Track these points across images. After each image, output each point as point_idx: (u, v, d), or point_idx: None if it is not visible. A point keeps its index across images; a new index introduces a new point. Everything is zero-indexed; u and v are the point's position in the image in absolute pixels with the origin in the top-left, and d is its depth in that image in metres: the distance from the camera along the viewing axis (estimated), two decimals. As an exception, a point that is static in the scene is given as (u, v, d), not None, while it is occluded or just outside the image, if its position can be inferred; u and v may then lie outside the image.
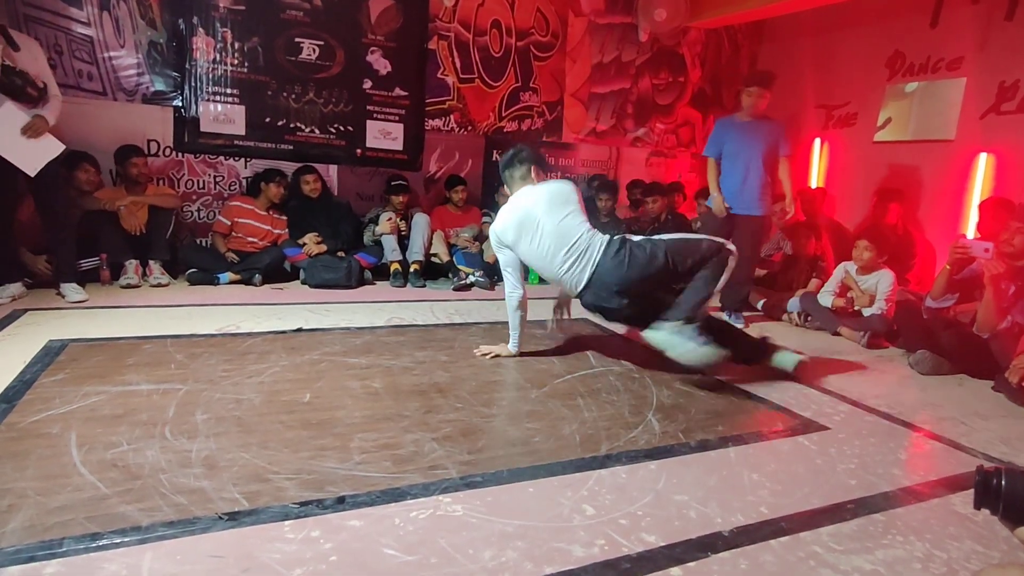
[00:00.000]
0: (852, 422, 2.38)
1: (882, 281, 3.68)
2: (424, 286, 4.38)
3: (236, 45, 4.29)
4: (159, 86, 4.20)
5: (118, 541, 1.33)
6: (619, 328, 3.25)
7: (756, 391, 2.64)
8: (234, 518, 1.44)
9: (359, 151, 4.82)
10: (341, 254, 4.35)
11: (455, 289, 4.33)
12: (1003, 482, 1.02)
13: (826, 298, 3.88)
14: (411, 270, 4.41)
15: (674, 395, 2.51)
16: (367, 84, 4.73)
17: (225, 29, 4.24)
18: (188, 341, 2.75)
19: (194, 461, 1.69)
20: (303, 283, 4.19)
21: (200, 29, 4.18)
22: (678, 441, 2.07)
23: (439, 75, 5.03)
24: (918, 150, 4.79)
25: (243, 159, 4.50)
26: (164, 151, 4.29)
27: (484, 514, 1.54)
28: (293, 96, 4.52)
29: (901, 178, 4.77)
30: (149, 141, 4.21)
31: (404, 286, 4.34)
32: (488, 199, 5.22)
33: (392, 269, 4.39)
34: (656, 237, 2.71)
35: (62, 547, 1.30)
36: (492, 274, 4.52)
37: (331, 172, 4.78)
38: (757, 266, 4.35)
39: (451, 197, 4.89)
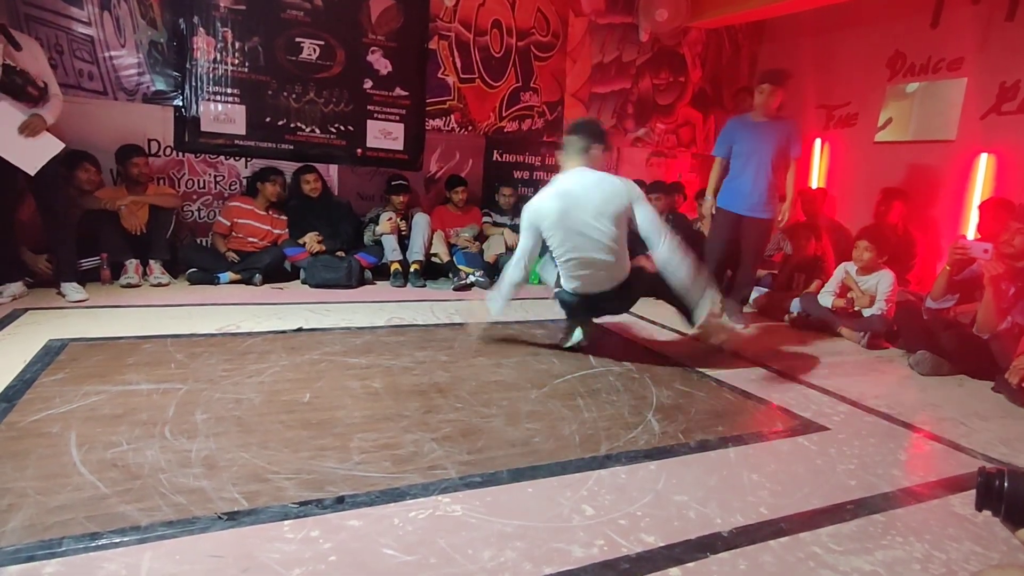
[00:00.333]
0: (852, 423, 2.38)
1: (882, 282, 3.68)
2: (424, 286, 4.38)
3: (237, 45, 4.29)
4: (160, 86, 4.20)
5: (117, 541, 1.33)
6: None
7: (756, 391, 2.64)
8: (233, 518, 1.44)
9: (359, 151, 4.82)
10: (341, 254, 4.35)
11: (455, 289, 4.33)
12: (1005, 484, 1.02)
13: (826, 298, 3.88)
14: (411, 270, 4.41)
15: (674, 395, 2.51)
16: (368, 84, 4.73)
17: (226, 29, 4.24)
18: (188, 341, 2.75)
19: (194, 461, 1.69)
20: (303, 283, 4.19)
21: (201, 29, 4.18)
22: (678, 441, 2.07)
23: (440, 75, 5.03)
24: (919, 150, 4.79)
25: (243, 159, 4.50)
26: (165, 151, 4.29)
27: (483, 514, 1.55)
28: (294, 96, 4.52)
29: (901, 178, 4.77)
30: (150, 141, 4.22)
31: (404, 286, 4.34)
32: (488, 199, 5.23)
33: (392, 269, 4.39)
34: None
35: (61, 547, 1.30)
36: (492, 274, 4.51)
37: (331, 172, 4.78)
38: (759, 267, 4.29)
39: (451, 197, 4.89)
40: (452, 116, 5.15)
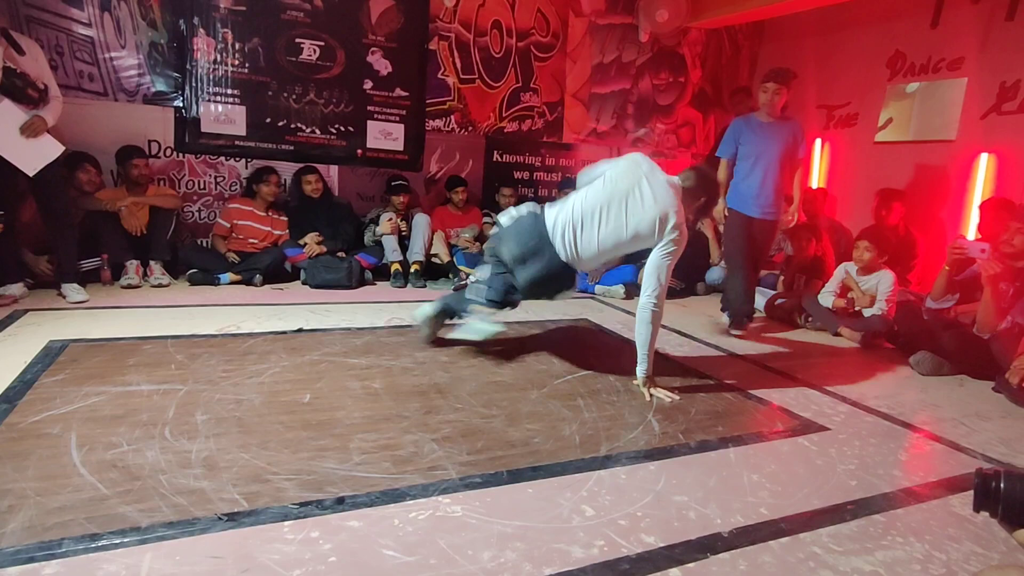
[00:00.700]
0: (852, 423, 2.38)
1: (882, 282, 3.68)
2: (425, 286, 4.38)
3: (237, 46, 4.29)
4: (160, 87, 4.20)
5: (118, 542, 1.33)
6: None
7: (756, 392, 2.64)
8: (233, 519, 1.44)
9: (360, 151, 4.82)
10: (342, 254, 4.35)
11: (455, 290, 4.33)
12: (1002, 485, 1.02)
13: (827, 299, 3.88)
14: (411, 270, 4.42)
15: (674, 397, 2.50)
16: (368, 84, 4.73)
17: (226, 30, 4.24)
18: (188, 341, 2.75)
19: (194, 462, 1.69)
20: (304, 283, 4.19)
21: (201, 30, 4.18)
22: (678, 442, 2.07)
23: (440, 75, 5.03)
24: (919, 150, 4.79)
25: (244, 160, 4.50)
26: (165, 152, 4.29)
27: (483, 515, 1.55)
28: (294, 97, 4.52)
29: (902, 178, 4.77)
30: (150, 142, 4.22)
31: (404, 286, 4.34)
32: (488, 200, 5.23)
33: (392, 269, 4.39)
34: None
35: (61, 548, 1.30)
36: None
37: (332, 172, 4.78)
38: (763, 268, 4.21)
39: (452, 198, 4.89)
40: (452, 117, 5.15)
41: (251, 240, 4.29)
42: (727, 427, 2.24)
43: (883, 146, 5.06)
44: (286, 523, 1.44)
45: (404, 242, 4.55)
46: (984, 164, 4.34)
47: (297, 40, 4.45)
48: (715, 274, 4.91)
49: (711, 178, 2.73)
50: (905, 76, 4.91)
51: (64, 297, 3.32)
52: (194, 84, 4.24)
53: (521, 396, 2.40)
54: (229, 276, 4.02)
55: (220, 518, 1.44)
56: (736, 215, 3.69)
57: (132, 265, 3.78)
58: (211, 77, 4.26)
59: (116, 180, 4.10)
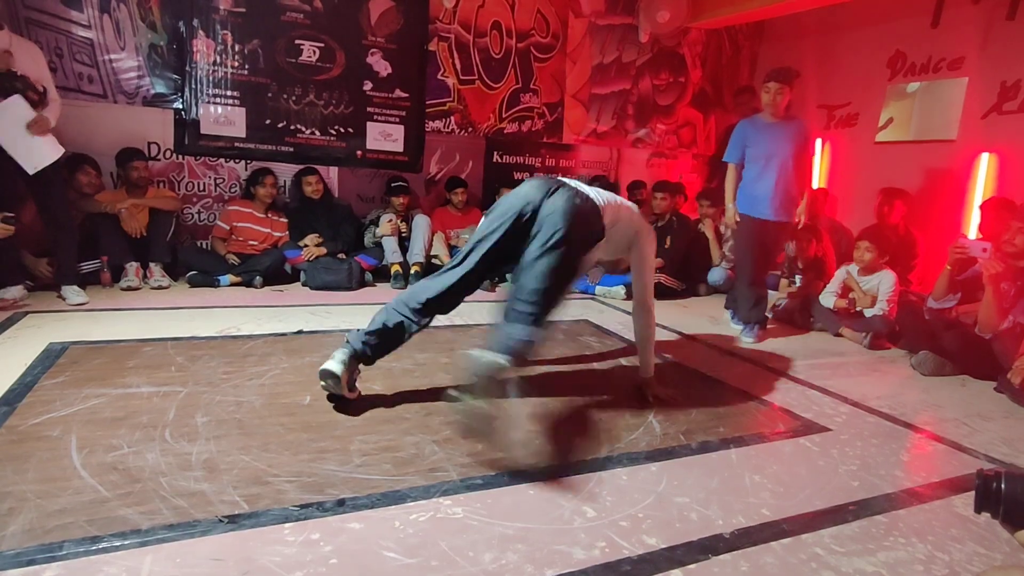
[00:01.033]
0: (854, 423, 2.37)
1: (883, 282, 3.68)
2: (425, 288, 4.37)
3: (236, 47, 4.29)
4: (159, 89, 4.20)
5: (118, 544, 1.33)
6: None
7: (757, 392, 2.63)
8: (234, 521, 1.44)
9: (360, 153, 4.82)
10: (342, 256, 4.35)
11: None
12: (1003, 486, 1.01)
13: (828, 299, 3.88)
14: (412, 272, 4.41)
15: (675, 397, 2.50)
16: (367, 86, 4.73)
17: (225, 31, 4.24)
18: (189, 343, 2.75)
19: (194, 464, 1.69)
20: (304, 285, 4.19)
21: (200, 31, 4.18)
22: (679, 443, 2.07)
23: (439, 76, 5.03)
24: (920, 150, 4.78)
25: (243, 161, 4.50)
26: (165, 154, 4.29)
27: (484, 516, 1.54)
28: (293, 98, 4.52)
29: (903, 178, 4.76)
30: (150, 144, 4.22)
31: (405, 287, 4.33)
32: (489, 201, 5.22)
33: (393, 271, 4.39)
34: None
35: (62, 550, 1.30)
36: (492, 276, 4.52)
37: (332, 174, 4.78)
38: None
39: (451, 199, 4.89)
40: (452, 118, 5.15)
41: (251, 242, 4.29)
42: (728, 428, 2.23)
43: (884, 146, 5.05)
44: (287, 525, 1.44)
45: (404, 243, 4.55)
46: (985, 164, 4.34)
47: (297, 41, 4.45)
48: (716, 275, 4.90)
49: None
50: (905, 76, 4.91)
51: (64, 299, 3.32)
52: (194, 86, 4.24)
53: (521, 397, 2.39)
54: (229, 278, 4.02)
55: (221, 520, 1.44)
56: (748, 220, 3.60)
57: (132, 267, 3.78)
58: (211, 79, 4.27)
59: (116, 182, 4.10)
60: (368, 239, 4.59)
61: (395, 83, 4.82)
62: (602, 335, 3.44)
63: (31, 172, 3.14)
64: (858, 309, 3.74)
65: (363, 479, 1.67)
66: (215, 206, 4.46)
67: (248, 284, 4.04)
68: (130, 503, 1.48)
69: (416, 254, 4.47)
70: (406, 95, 4.88)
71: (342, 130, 4.72)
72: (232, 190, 4.51)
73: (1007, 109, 4.26)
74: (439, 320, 3.48)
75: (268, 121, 4.48)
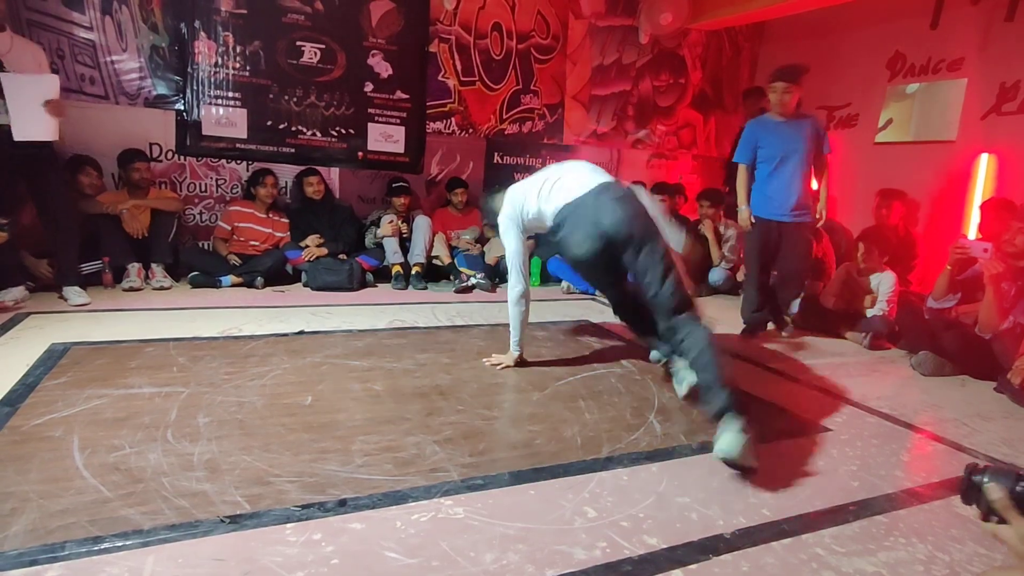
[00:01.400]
0: (854, 424, 2.37)
1: (883, 282, 3.68)
2: (426, 288, 4.38)
3: (238, 49, 4.29)
4: (161, 90, 4.21)
5: (120, 544, 1.33)
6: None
7: (757, 392, 2.63)
8: (236, 521, 1.44)
9: (360, 154, 4.82)
10: (343, 257, 4.35)
11: (457, 291, 4.33)
12: (986, 478, 1.02)
13: (828, 300, 3.87)
14: (412, 272, 4.42)
15: (676, 397, 2.50)
16: (368, 87, 4.74)
17: (227, 33, 4.24)
18: (190, 344, 2.76)
19: (196, 464, 1.69)
20: (305, 286, 4.19)
21: (202, 33, 4.18)
22: (680, 443, 2.07)
23: (440, 78, 5.04)
24: (919, 151, 4.79)
25: (245, 162, 4.51)
26: (166, 155, 4.30)
27: (486, 517, 1.55)
28: (295, 99, 4.52)
29: (902, 179, 4.77)
30: (151, 145, 4.23)
31: (406, 288, 4.34)
32: (489, 201, 5.22)
33: (394, 271, 4.40)
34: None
35: (64, 550, 1.30)
36: (493, 276, 4.53)
37: (333, 175, 4.79)
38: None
39: (452, 199, 4.90)
40: (453, 119, 5.16)
41: (252, 242, 4.30)
42: (729, 428, 2.23)
43: (883, 147, 5.06)
44: (288, 525, 1.45)
45: (405, 244, 4.55)
46: (984, 164, 4.34)
47: (298, 43, 4.45)
48: (716, 275, 4.91)
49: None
50: (905, 77, 4.91)
51: (66, 300, 3.32)
52: (195, 87, 4.24)
53: (522, 398, 2.40)
54: (230, 278, 4.03)
55: (222, 520, 1.44)
56: (761, 222, 3.53)
57: (134, 268, 3.79)
58: (212, 80, 4.27)
59: (117, 183, 4.10)
60: (369, 240, 4.60)
61: (396, 84, 4.82)
62: (602, 335, 3.44)
63: (16, 138, 3.04)
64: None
65: (364, 479, 1.68)
66: (217, 207, 4.47)
67: (249, 285, 4.05)
68: (132, 503, 1.48)
69: (417, 255, 4.48)
70: (407, 96, 4.88)
71: (343, 131, 4.72)
72: (233, 191, 4.51)
73: (1006, 110, 4.27)
74: (439, 320, 3.52)
75: (269, 122, 4.48)
